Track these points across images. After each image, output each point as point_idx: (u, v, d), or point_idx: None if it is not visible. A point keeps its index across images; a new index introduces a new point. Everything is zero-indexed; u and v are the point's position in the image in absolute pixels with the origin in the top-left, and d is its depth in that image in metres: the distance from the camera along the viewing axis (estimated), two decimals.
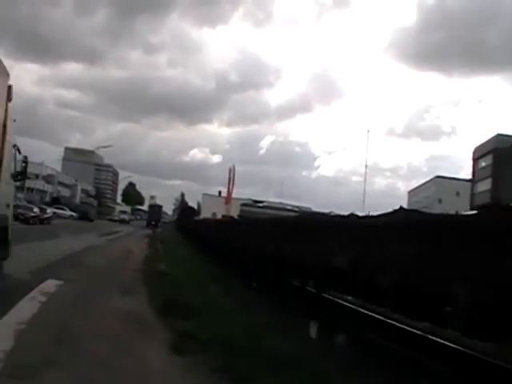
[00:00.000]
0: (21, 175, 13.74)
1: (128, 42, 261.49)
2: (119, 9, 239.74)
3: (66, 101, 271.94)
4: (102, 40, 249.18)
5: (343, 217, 9.93)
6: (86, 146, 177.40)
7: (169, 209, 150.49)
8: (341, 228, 9.19)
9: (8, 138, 11.66)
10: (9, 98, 11.55)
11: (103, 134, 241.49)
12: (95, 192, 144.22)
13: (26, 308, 9.14)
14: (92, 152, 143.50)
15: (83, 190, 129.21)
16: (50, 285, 11.87)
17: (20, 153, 13.48)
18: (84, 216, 73.02)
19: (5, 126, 11.34)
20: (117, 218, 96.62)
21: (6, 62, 10.74)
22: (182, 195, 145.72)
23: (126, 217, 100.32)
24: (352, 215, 9.42)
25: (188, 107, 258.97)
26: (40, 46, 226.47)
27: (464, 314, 5.23)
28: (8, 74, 11.64)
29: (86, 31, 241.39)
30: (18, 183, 14.44)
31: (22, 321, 8.01)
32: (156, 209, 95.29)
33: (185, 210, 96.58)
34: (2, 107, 11.18)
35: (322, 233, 9.79)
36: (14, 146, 12.81)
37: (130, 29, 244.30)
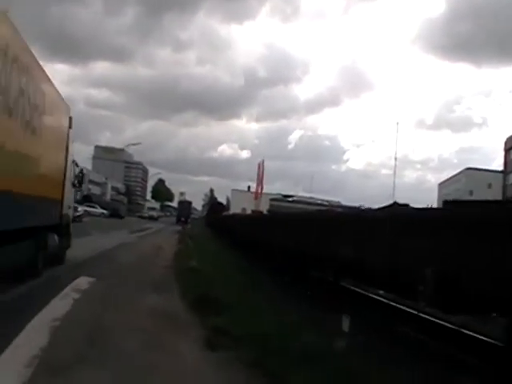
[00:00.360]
0: (78, 184, 17.70)
1: (157, 39, 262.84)
2: (147, 7, 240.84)
3: (96, 100, 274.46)
4: (131, 38, 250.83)
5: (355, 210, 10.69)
6: (116, 144, 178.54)
7: (198, 205, 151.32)
8: (343, 221, 10.49)
9: (69, 156, 15.25)
10: (70, 127, 15.04)
11: (133, 132, 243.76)
12: (125, 189, 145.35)
13: (59, 305, 9.30)
14: (122, 150, 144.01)
15: (113, 188, 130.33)
16: (83, 282, 12.03)
17: (78, 166, 17.57)
18: (114, 213, 73.47)
19: (67, 147, 14.81)
20: (146, 214, 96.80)
21: None
22: (212, 191, 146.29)
23: (154, 213, 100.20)
24: (355, 208, 10.00)
25: (217, 103, 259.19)
26: (70, 46, 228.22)
27: (431, 291, 6.30)
28: (69, 108, 15.08)
29: (115, 30, 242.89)
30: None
31: (57, 317, 8.15)
32: (185, 205, 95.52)
33: (214, 206, 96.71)
34: (65, 134, 14.62)
35: (331, 226, 10.88)
36: (73, 161, 16.65)
37: (159, 27, 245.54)
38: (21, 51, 9.47)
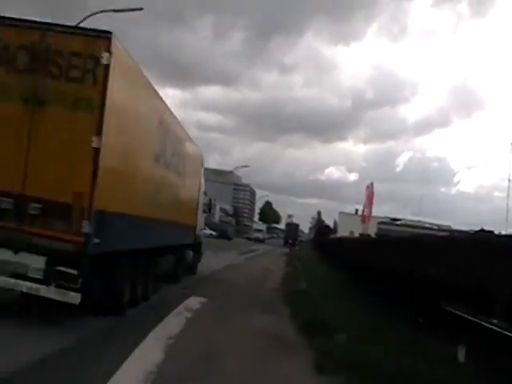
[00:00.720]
0: (208, 210, 22.49)
1: (264, 62, 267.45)
2: (254, 31, 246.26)
3: (206, 123, 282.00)
4: (239, 62, 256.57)
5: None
6: (225, 166, 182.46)
7: (305, 227, 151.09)
8: (441, 245, 10.94)
9: (201, 188, 18.65)
10: (202, 165, 18.54)
11: (241, 154, 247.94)
12: (233, 211, 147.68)
13: (173, 323, 9.60)
14: (230, 172, 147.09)
15: (222, 209, 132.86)
16: (194, 301, 12.36)
17: (206, 195, 21.13)
18: (223, 234, 74.72)
19: (200, 182, 18.13)
20: (253, 236, 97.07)
21: None
22: (319, 214, 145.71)
23: (260, 235, 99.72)
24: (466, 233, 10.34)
25: (323, 125, 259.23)
26: (180, 70, 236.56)
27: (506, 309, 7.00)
28: (201, 151, 18.49)
29: (223, 54, 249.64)
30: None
31: (171, 335, 8.41)
32: (293, 227, 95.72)
33: (321, 229, 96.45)
34: (200, 172, 18.08)
35: (431, 250, 11.17)
36: (204, 192, 19.96)
37: (265, 50, 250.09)
38: (171, 120, 12.07)
